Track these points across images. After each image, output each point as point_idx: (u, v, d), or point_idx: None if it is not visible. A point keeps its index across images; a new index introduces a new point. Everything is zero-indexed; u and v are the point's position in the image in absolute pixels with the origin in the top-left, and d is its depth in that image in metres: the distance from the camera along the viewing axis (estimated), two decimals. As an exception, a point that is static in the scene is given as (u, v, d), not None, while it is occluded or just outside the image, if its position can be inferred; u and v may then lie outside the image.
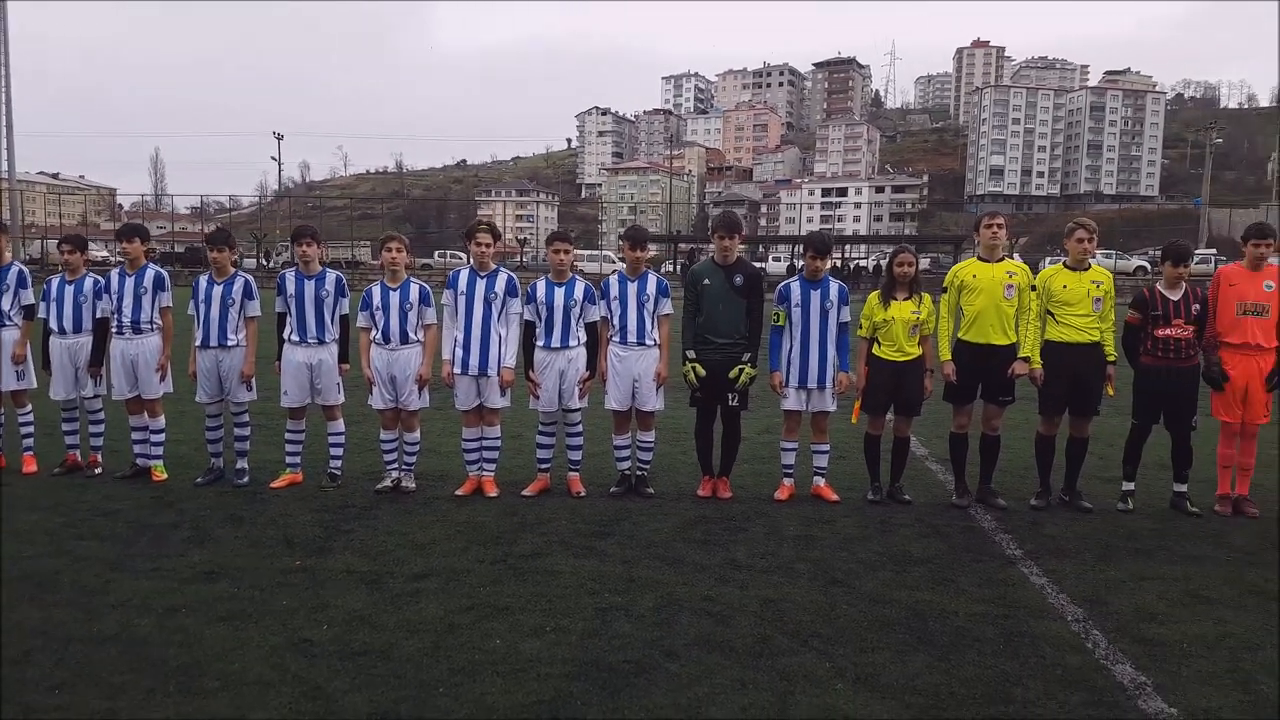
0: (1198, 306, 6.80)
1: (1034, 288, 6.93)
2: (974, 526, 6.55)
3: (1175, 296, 6.83)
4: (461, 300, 6.99)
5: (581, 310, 7.06)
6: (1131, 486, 7.03)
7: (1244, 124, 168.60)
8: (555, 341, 7.01)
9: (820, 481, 7.26)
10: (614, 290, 7.10)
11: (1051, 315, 6.92)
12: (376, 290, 7.16)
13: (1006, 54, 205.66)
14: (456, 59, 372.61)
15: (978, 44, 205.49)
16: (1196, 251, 54.30)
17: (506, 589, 5.12)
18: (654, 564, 5.58)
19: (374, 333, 7.14)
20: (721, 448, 7.29)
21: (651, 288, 7.09)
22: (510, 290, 7.05)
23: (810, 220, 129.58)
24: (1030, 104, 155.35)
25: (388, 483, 7.21)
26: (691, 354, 7.04)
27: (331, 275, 7.38)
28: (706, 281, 7.05)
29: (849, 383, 7.15)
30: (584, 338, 7.10)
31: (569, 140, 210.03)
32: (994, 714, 3.77)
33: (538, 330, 7.06)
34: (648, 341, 7.08)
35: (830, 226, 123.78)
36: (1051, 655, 4.34)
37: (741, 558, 5.73)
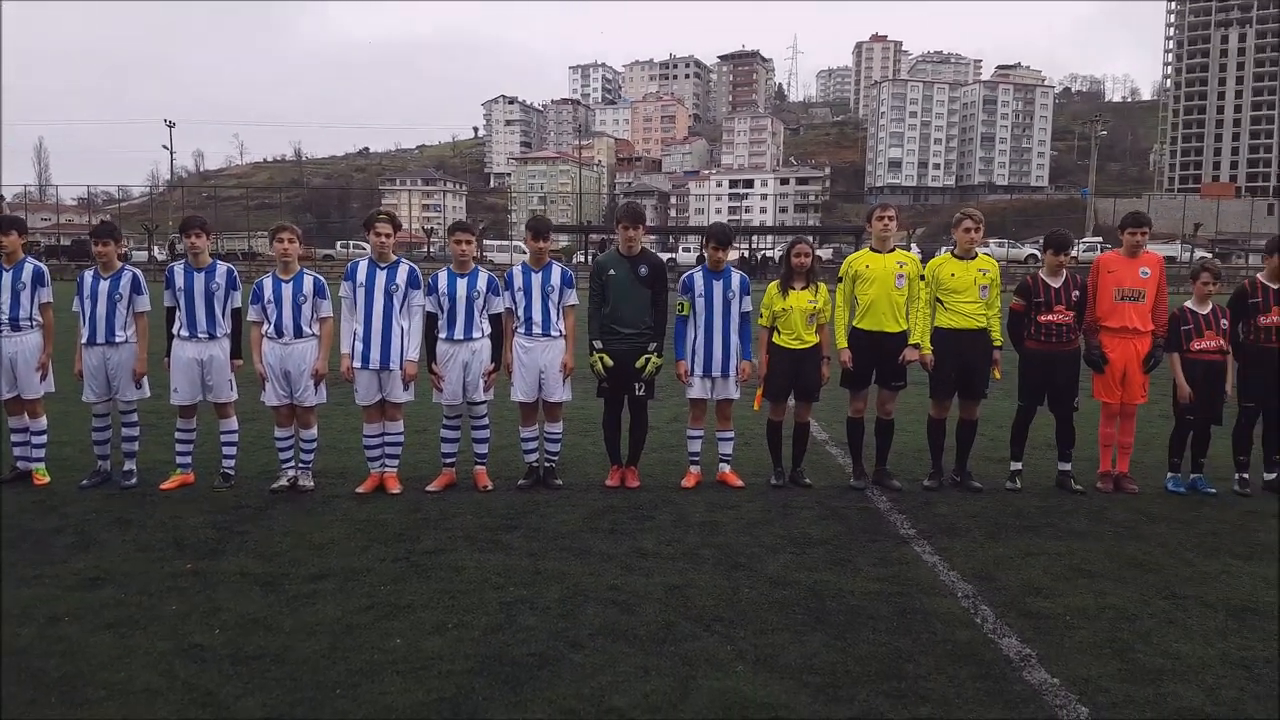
0: (1078, 293, 7.13)
1: (923, 277, 7.16)
2: (870, 508, 6.74)
3: (1056, 284, 7.15)
4: (360, 292, 6.83)
5: (485, 301, 6.98)
6: (1019, 466, 7.34)
7: (1128, 117, 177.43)
8: (458, 333, 6.91)
9: (725, 468, 7.37)
10: (518, 281, 7.04)
11: (940, 303, 7.16)
12: (268, 282, 6.93)
13: (904, 48, 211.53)
14: (358, 46, 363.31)
15: (876, 38, 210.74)
16: (1084, 240, 57.22)
17: (408, 587, 5.04)
18: (561, 555, 5.57)
19: (266, 327, 6.92)
20: (629, 437, 7.32)
21: (556, 278, 7.06)
22: (412, 282, 6.92)
23: (719, 211, 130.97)
24: (926, 98, 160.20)
25: (284, 482, 7.01)
26: (598, 344, 7.05)
27: (222, 268, 7.13)
28: (612, 272, 7.06)
29: (751, 371, 7.27)
30: (488, 329, 7.02)
31: (476, 129, 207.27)
32: (887, 689, 3.89)
33: (440, 322, 6.95)
34: (553, 333, 7.05)
35: (738, 218, 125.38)
36: (942, 631, 4.50)
37: (648, 546, 5.77)
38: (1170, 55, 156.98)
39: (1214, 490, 7.09)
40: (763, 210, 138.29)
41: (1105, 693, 3.87)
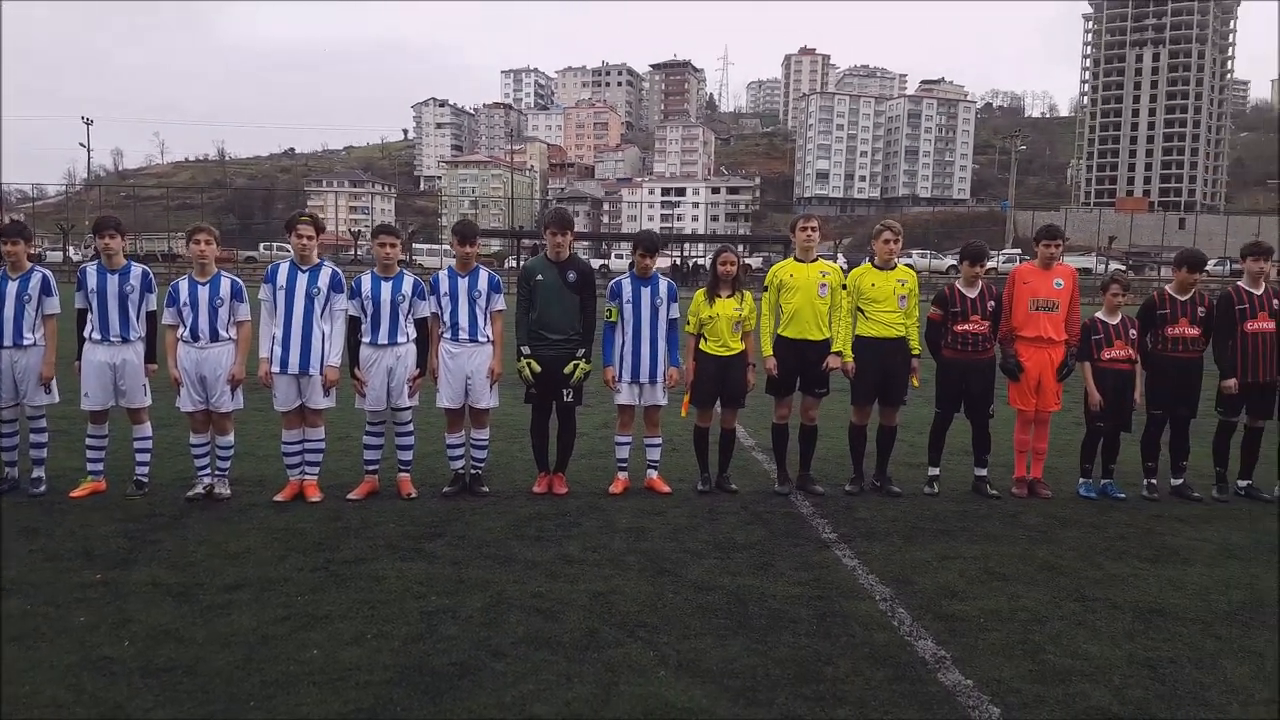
0: (993, 303, 7.35)
1: (845, 286, 7.31)
2: (794, 512, 6.83)
3: (972, 294, 7.36)
4: (281, 295, 6.67)
5: (410, 306, 6.88)
6: (937, 471, 7.52)
7: (1047, 132, 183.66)
8: (382, 338, 6.80)
9: (653, 474, 7.40)
10: (444, 286, 6.96)
11: (861, 312, 7.32)
12: (184, 285, 6.73)
13: (832, 62, 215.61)
14: (285, 45, 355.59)
15: (805, 51, 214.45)
16: (1003, 251, 59.02)
17: (326, 597, 4.94)
18: (484, 564, 5.52)
19: (182, 330, 6.72)
20: (557, 444, 7.29)
21: (483, 283, 7.00)
22: (334, 285, 6.79)
23: (651, 219, 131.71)
24: (853, 111, 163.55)
25: (199, 489, 6.81)
26: (526, 350, 7.01)
27: (137, 269, 6.90)
28: (540, 278, 7.04)
29: (678, 377, 7.31)
30: (413, 334, 6.92)
31: (405, 131, 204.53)
32: (806, 692, 3.94)
33: (363, 326, 6.83)
34: (480, 338, 6.99)
35: (670, 225, 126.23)
36: (860, 634, 4.58)
37: (574, 552, 5.76)
38: (1087, 73, 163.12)
39: (1124, 495, 7.36)
40: (695, 218, 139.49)
41: (1016, 693, 3.98)
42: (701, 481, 7.38)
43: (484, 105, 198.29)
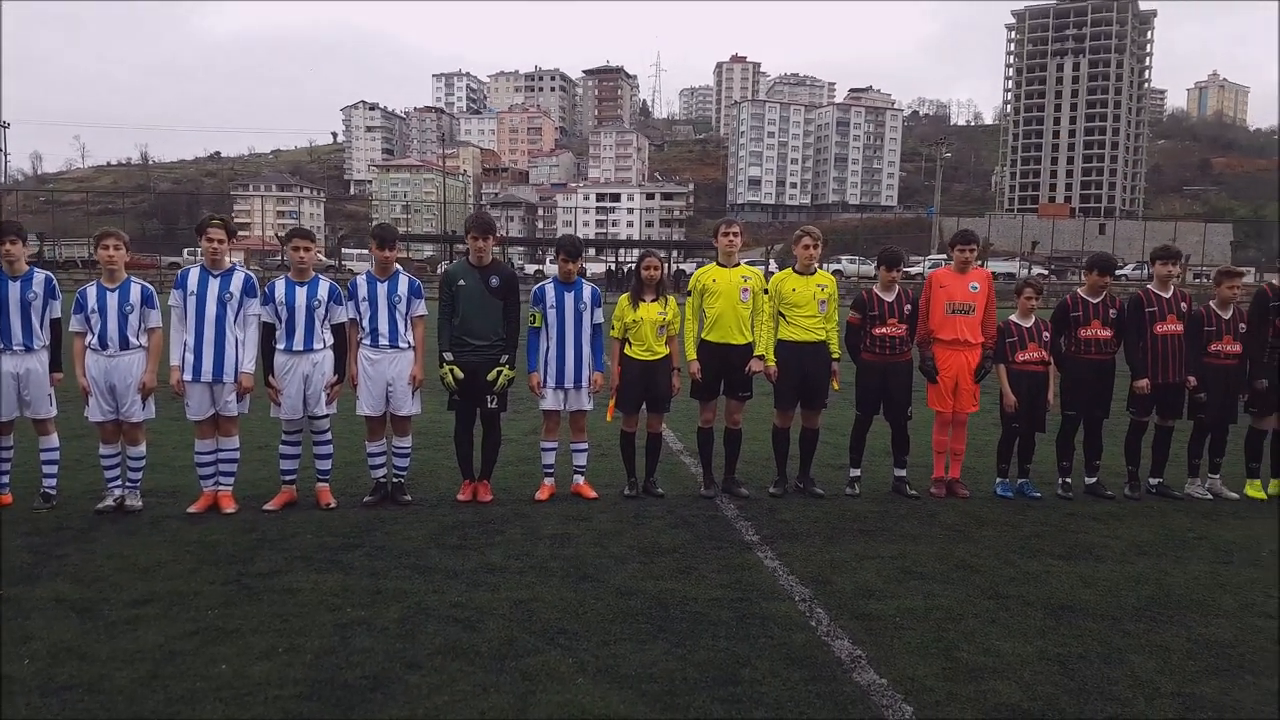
0: (909, 307, 7.50)
1: (766, 291, 7.38)
2: (719, 515, 6.86)
3: (890, 298, 7.49)
4: (191, 301, 6.47)
5: (326, 311, 6.73)
6: (858, 472, 7.64)
7: (971, 140, 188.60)
8: (298, 344, 6.63)
9: (580, 480, 7.36)
10: (362, 290, 6.83)
11: (783, 316, 7.39)
12: (91, 291, 6.49)
13: (762, 70, 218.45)
14: (211, 46, 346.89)
15: (736, 59, 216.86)
16: (929, 257, 60.28)
17: (237, 611, 4.79)
18: (403, 574, 5.42)
19: (90, 338, 6.47)
20: (482, 451, 7.20)
21: (403, 288, 6.88)
22: (247, 290, 6.61)
23: (586, 224, 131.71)
24: (784, 118, 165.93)
25: (109, 502, 6.57)
26: (448, 356, 6.91)
27: (40, 275, 6.64)
28: (461, 283, 6.94)
29: (603, 382, 7.29)
30: (330, 340, 6.78)
31: (335, 135, 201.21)
32: (723, 694, 3.94)
33: (278, 333, 6.66)
34: (401, 344, 6.87)
35: (605, 230, 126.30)
36: (779, 635, 4.61)
37: (496, 560, 5.69)
38: (1010, 82, 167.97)
39: (1039, 494, 7.55)
40: (629, 224, 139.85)
41: (930, 691, 4.04)
42: (628, 486, 7.37)
43: (415, 109, 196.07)
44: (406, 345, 6.90)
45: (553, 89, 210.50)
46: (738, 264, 7.43)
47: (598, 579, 5.38)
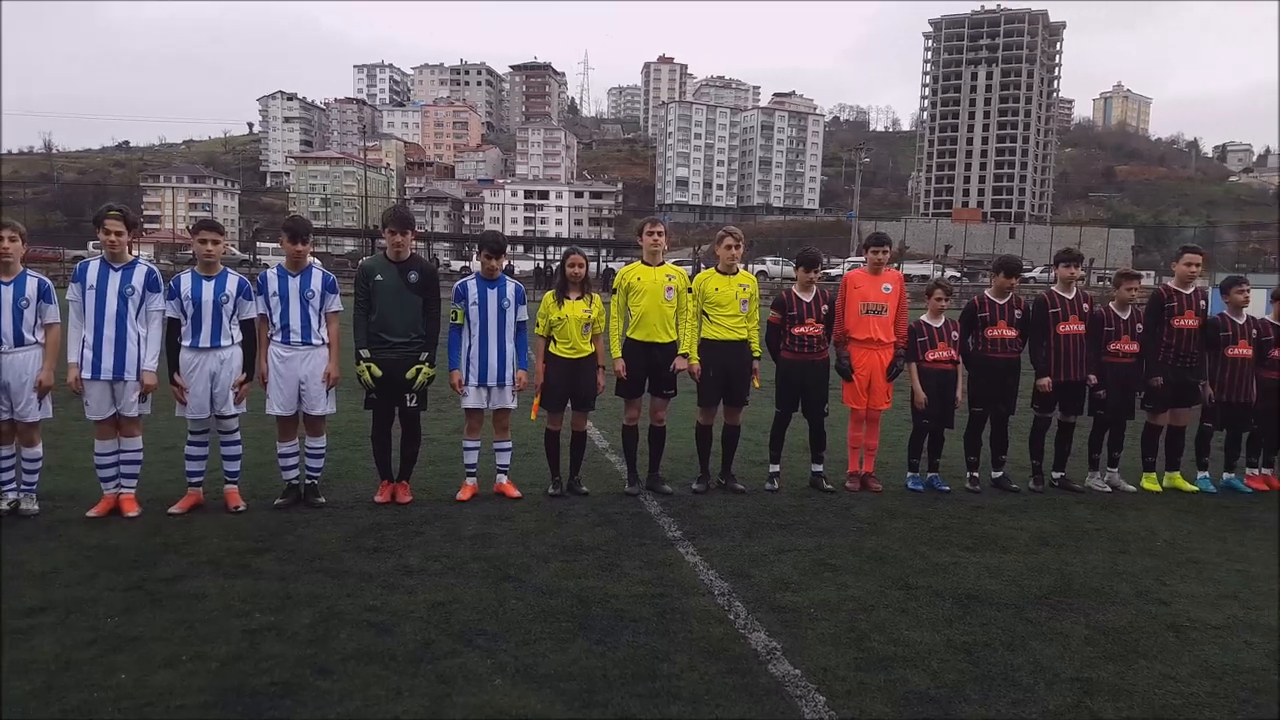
0: (826, 307, 7.64)
1: (691, 290, 7.44)
2: (642, 512, 6.89)
3: (808, 298, 7.63)
4: (91, 295, 6.21)
5: (235, 306, 6.54)
6: (777, 468, 7.75)
7: (889, 146, 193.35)
8: (204, 341, 6.43)
9: (503, 479, 7.30)
10: (273, 286, 6.64)
11: (706, 315, 7.46)
12: (-18, 285, 6.17)
13: (689, 71, 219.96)
14: (119, 31, 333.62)
15: (663, 60, 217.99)
16: (848, 259, 61.52)
17: (139, 618, 4.62)
18: (315, 578, 5.29)
19: (-20, 334, 6.15)
20: (401, 451, 7.08)
21: (316, 283, 6.72)
22: (150, 284, 6.37)
23: (514, 220, 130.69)
24: (710, 120, 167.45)
25: (3, 506, 6.28)
26: (365, 353, 6.77)
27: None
28: (379, 278, 6.81)
29: (527, 380, 7.24)
30: (239, 336, 6.58)
31: (251, 125, 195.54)
32: (641, 690, 3.96)
33: (183, 329, 6.44)
34: (314, 341, 6.71)
35: (533, 228, 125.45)
36: (698, 629, 4.64)
37: (414, 562, 5.60)
38: (927, 90, 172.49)
39: (948, 488, 7.77)
40: (558, 221, 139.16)
41: (842, 681, 4.12)
42: (553, 485, 7.34)
43: (336, 100, 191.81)
44: (320, 342, 6.74)
45: (479, 83, 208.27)
46: (663, 263, 7.47)
47: (519, 579, 5.34)
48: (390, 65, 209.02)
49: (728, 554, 5.90)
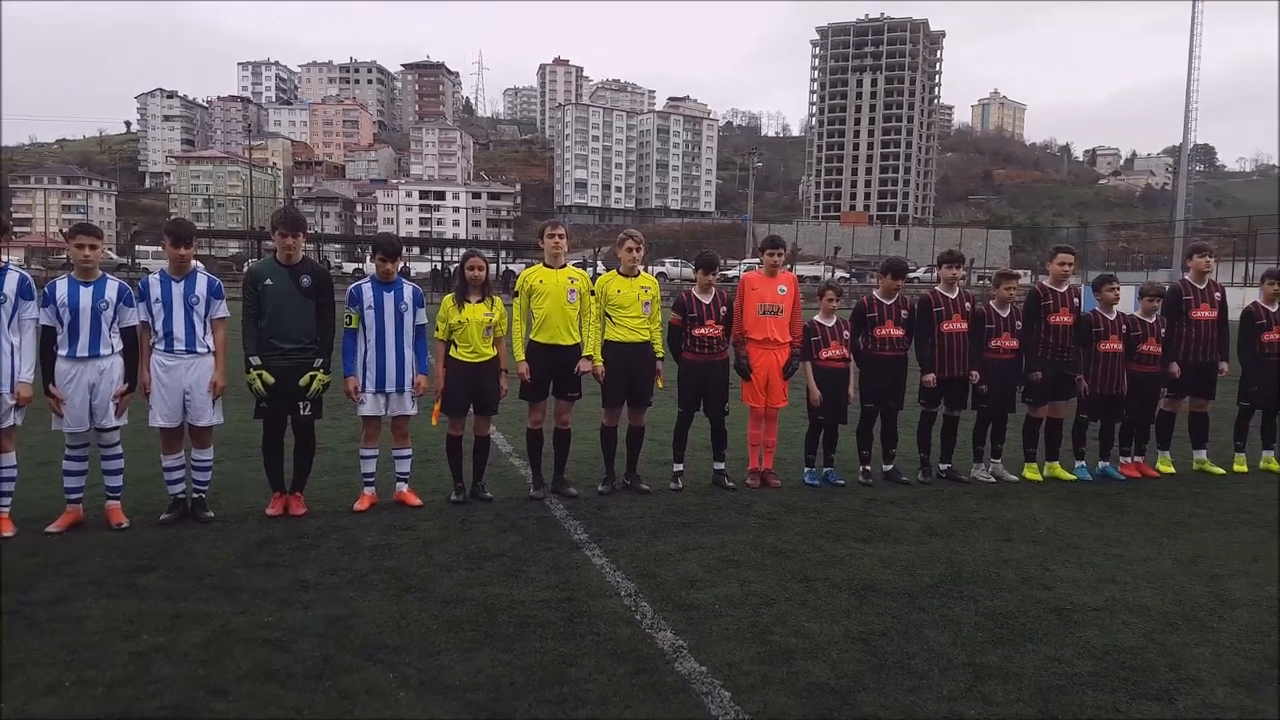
0: (725, 308, 7.78)
1: (593, 292, 7.46)
2: (548, 516, 6.86)
3: (707, 300, 7.74)
4: (-45, 305, 5.83)
5: (115, 313, 6.23)
6: (681, 468, 7.85)
7: (781, 150, 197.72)
8: (82, 350, 6.10)
9: (403, 487, 7.16)
10: (155, 291, 6.35)
11: (609, 317, 7.49)
12: None
13: (585, 74, 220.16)
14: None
15: (559, 62, 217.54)
16: (744, 261, 62.59)
17: (18, 644, 4.36)
18: (206, 595, 5.09)
19: None
20: (294, 461, 6.87)
21: (201, 288, 6.46)
22: (22, 291, 6.02)
23: (409, 222, 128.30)
24: (607, 123, 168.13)
25: None
26: (255, 361, 6.54)
27: None
28: (268, 282, 6.58)
29: (426, 385, 7.13)
30: (119, 345, 6.28)
31: (129, 124, 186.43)
32: (549, 696, 3.95)
33: (59, 338, 6.10)
34: (199, 349, 6.44)
35: (429, 229, 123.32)
36: (605, 631, 4.66)
37: (311, 577, 5.43)
38: (815, 96, 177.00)
39: (843, 482, 8.00)
40: (455, 223, 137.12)
41: (746, 675, 4.19)
42: (455, 492, 7.24)
43: (219, 98, 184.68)
44: (206, 350, 6.48)
45: (370, 82, 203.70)
46: (564, 265, 7.46)
47: (421, 589, 5.25)
48: (276, 63, 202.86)
49: (634, 555, 5.94)
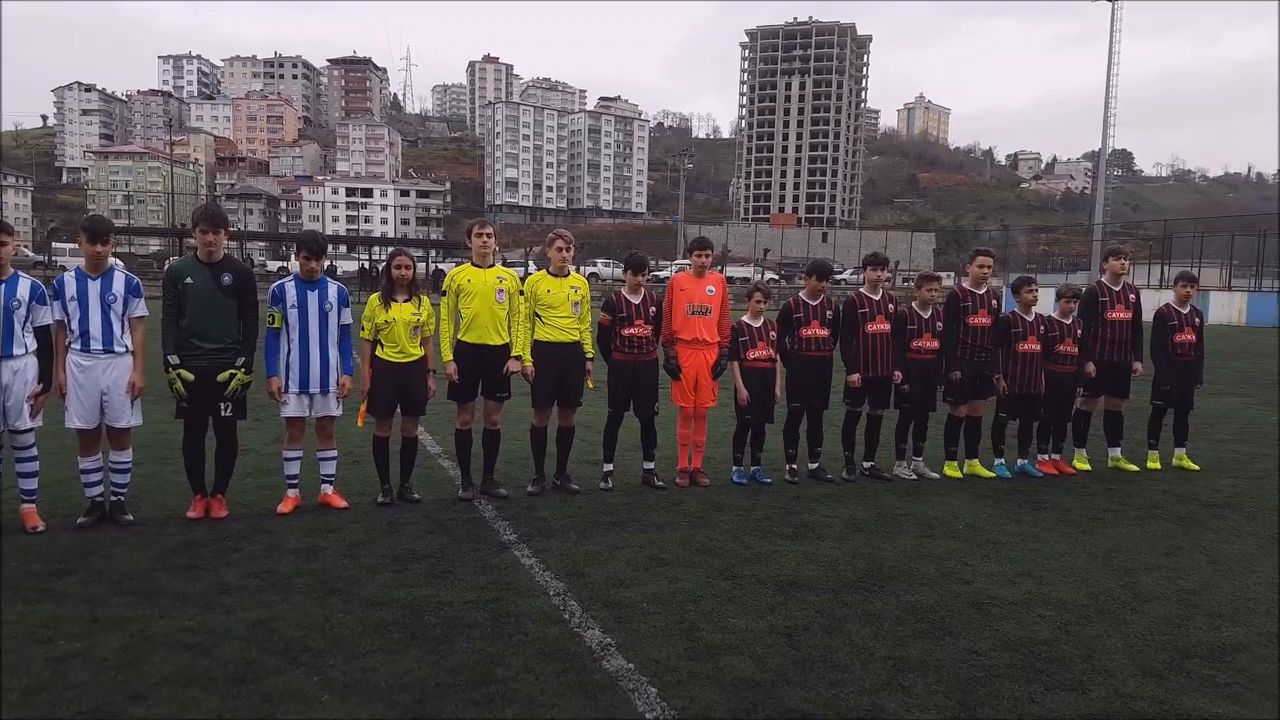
0: (654, 309, 7.85)
1: (522, 292, 7.46)
2: (477, 517, 6.83)
3: (636, 300, 7.80)
4: None
5: (28, 312, 6.04)
6: (610, 467, 7.89)
7: (711, 152, 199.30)
8: (-9, 351, 5.89)
9: (328, 489, 7.05)
10: (71, 289, 6.16)
11: (539, 317, 7.50)
12: None
13: (515, 72, 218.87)
14: None
15: (488, 59, 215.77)
16: (675, 261, 63.00)
17: (-79, 654, 4.20)
18: (125, 599, 4.96)
19: None
20: (215, 463, 6.72)
21: (119, 286, 6.28)
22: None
23: (336, 219, 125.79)
24: (538, 122, 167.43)
25: None
26: (175, 360, 6.38)
27: None
28: (189, 280, 6.42)
29: (351, 386, 7.04)
30: (32, 345, 6.08)
31: (45, 117, 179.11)
32: (476, 696, 3.95)
33: (-31, 338, 5.88)
34: (117, 348, 6.27)
35: (356, 227, 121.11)
36: (533, 631, 4.67)
37: (233, 580, 5.34)
38: (744, 99, 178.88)
39: (769, 480, 8.13)
40: (383, 221, 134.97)
41: (672, 671, 4.25)
42: (382, 494, 7.16)
43: (139, 92, 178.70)
44: (124, 349, 6.31)
45: (295, 77, 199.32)
46: (493, 265, 7.44)
47: (346, 592, 5.19)
48: (199, 56, 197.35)
49: (563, 554, 5.96)
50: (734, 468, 8.24)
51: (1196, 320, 9.23)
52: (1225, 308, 43.07)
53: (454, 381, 7.25)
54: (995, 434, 8.81)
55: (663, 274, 48.10)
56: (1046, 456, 9.01)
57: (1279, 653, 4.68)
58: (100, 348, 6.20)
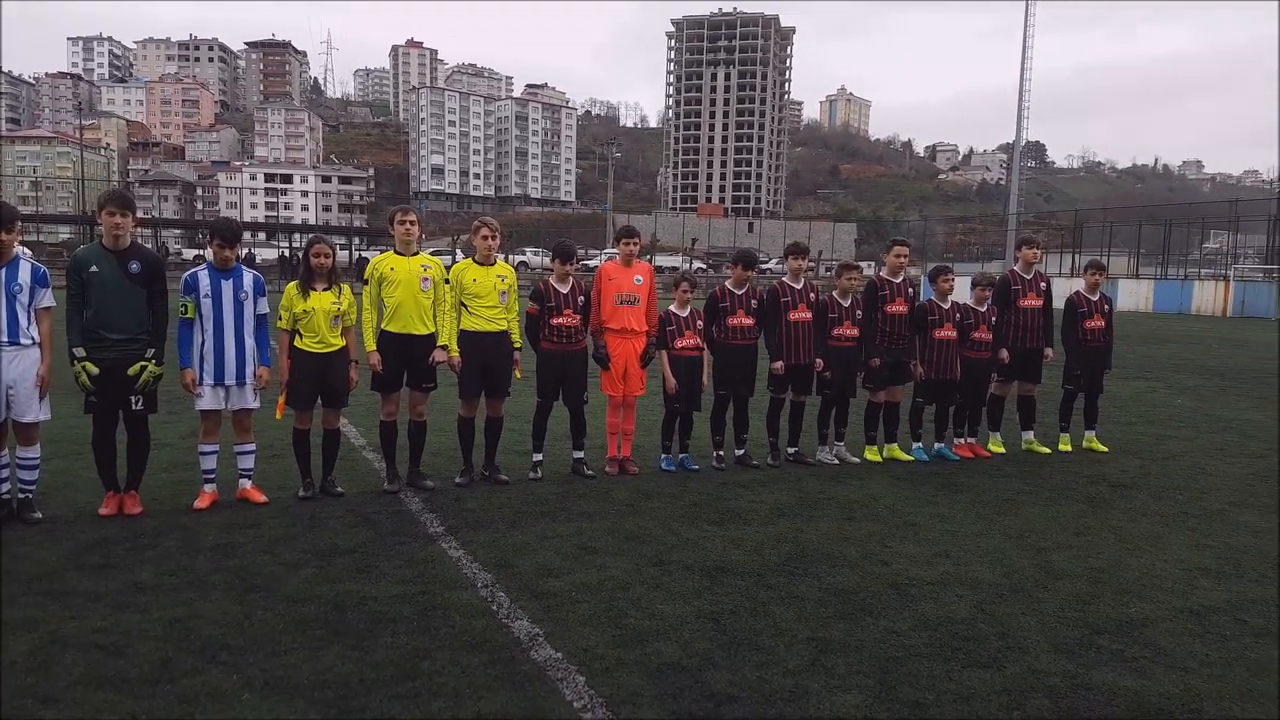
0: (583, 298, 7.84)
1: (448, 281, 7.36)
2: (402, 510, 6.74)
3: (565, 289, 7.79)
4: None
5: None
6: (540, 457, 7.87)
7: (639, 142, 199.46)
8: (-114, 344, 5.59)
9: (246, 484, 6.88)
10: (-29, 280, 5.88)
11: (465, 307, 7.41)
12: None
13: (440, 57, 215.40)
14: None
15: (412, 44, 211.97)
16: (605, 250, 62.94)
17: None
18: (34, 600, 4.77)
19: None
20: (128, 458, 6.49)
21: (24, 276, 6.01)
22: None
23: (254, 206, 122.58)
24: (464, 108, 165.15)
25: None
26: (80, 352, 6.13)
27: None
28: (94, 269, 6.17)
29: (269, 377, 6.87)
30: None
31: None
32: (401, 691, 3.90)
33: None
34: (23, 340, 6.00)
35: (276, 214, 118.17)
36: (461, 623, 4.64)
37: (147, 578, 5.17)
38: (671, 89, 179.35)
39: (697, 467, 8.21)
40: (304, 207, 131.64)
41: (600, 659, 4.26)
42: (303, 487, 7.01)
43: (47, 74, 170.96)
44: (30, 341, 6.05)
45: (210, 60, 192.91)
46: (417, 253, 7.33)
47: (267, 589, 5.08)
48: (110, 38, 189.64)
49: (491, 546, 5.92)
50: (662, 455, 8.29)
51: (1106, 307, 9.59)
52: (1133, 295, 44.94)
53: (378, 372, 7.13)
54: (913, 419, 9.04)
55: (592, 262, 48.01)
56: (962, 440, 9.26)
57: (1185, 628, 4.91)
58: (5, 339, 5.92)
